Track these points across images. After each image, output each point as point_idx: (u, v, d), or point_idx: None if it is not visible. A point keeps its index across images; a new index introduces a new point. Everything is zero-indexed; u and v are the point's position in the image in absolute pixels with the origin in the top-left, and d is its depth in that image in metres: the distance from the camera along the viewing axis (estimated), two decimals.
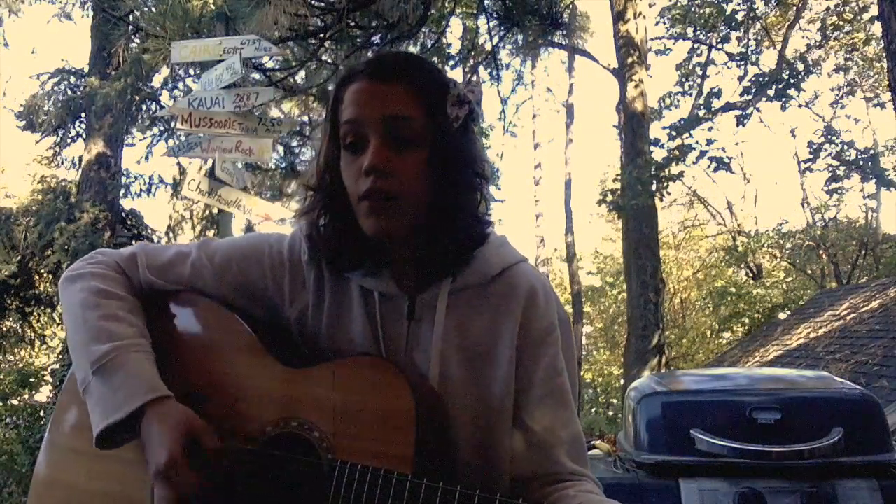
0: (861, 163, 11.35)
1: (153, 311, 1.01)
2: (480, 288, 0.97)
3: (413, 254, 0.96)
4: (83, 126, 9.77)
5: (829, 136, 11.68)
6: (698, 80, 13.36)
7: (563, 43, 13.42)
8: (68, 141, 10.18)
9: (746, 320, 14.18)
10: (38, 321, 9.78)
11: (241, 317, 0.99)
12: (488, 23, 5.48)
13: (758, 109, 11.89)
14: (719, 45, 12.77)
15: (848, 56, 14.14)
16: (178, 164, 10.84)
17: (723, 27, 12.11)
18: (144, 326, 0.98)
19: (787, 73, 11.11)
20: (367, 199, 0.89)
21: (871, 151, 12.33)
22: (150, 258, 1.04)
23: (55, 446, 1.06)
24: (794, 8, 12.96)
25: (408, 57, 1.00)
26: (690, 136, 10.43)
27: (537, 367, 0.95)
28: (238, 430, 0.93)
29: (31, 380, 7.56)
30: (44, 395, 7.91)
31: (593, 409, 18.58)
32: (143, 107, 9.60)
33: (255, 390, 0.94)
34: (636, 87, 10.62)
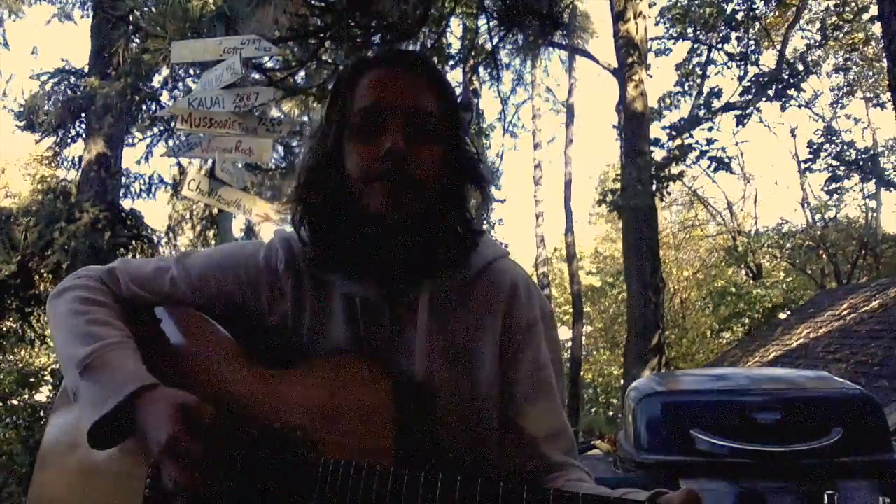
0: (861, 163, 11.36)
1: (136, 324, 1.02)
2: (462, 286, 0.97)
3: (399, 253, 0.94)
4: (83, 126, 9.76)
5: (829, 136, 11.69)
6: (698, 80, 13.33)
7: (563, 43, 13.42)
8: (68, 141, 10.17)
9: (746, 320, 14.20)
10: (38, 321, 9.76)
11: (222, 325, 1.01)
12: (488, 23, 5.47)
13: (758, 109, 11.92)
14: (719, 45, 12.75)
15: (848, 56, 14.14)
16: (178, 164, 10.84)
17: (723, 27, 12.09)
18: (129, 331, 0.99)
19: (787, 73, 11.12)
20: (384, 179, 0.88)
21: (871, 151, 12.34)
22: (132, 272, 1.05)
23: (48, 465, 1.06)
24: (794, 8, 12.94)
25: (423, 54, 1.03)
26: (690, 136, 10.45)
27: (522, 362, 0.96)
28: None
29: (31, 380, 7.56)
30: (44, 395, 7.91)
31: (593, 409, 18.58)
32: (143, 107, 9.60)
33: (238, 394, 0.94)
34: (636, 87, 10.61)
